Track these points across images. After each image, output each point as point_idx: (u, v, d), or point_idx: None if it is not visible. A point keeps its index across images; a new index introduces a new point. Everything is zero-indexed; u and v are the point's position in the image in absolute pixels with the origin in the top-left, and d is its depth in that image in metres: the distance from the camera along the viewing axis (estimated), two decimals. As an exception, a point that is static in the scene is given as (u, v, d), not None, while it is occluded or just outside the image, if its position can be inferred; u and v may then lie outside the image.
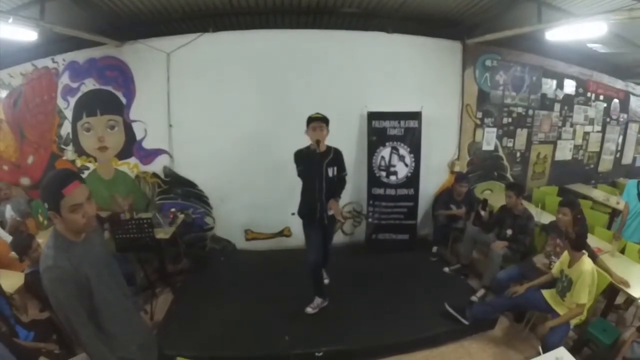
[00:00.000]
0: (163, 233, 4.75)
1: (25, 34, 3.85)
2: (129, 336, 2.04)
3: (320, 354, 3.61)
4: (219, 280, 5.03)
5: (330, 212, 3.90)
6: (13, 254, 4.12)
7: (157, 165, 5.67)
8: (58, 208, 1.70)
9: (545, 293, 3.72)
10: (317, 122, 3.80)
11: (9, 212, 5.18)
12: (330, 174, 3.91)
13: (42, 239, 3.88)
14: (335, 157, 3.96)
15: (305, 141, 3.88)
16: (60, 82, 5.48)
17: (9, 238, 4.61)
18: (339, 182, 4.01)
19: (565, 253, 3.61)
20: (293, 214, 5.69)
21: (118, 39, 5.16)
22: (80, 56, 5.39)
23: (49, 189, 1.72)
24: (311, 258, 4.04)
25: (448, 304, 4.05)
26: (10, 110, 5.67)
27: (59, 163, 5.72)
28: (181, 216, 5.33)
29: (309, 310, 4.23)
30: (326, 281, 4.65)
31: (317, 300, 4.29)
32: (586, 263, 3.35)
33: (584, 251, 3.42)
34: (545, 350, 3.12)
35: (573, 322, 3.42)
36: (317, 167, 3.84)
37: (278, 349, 3.67)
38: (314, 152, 3.80)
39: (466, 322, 3.90)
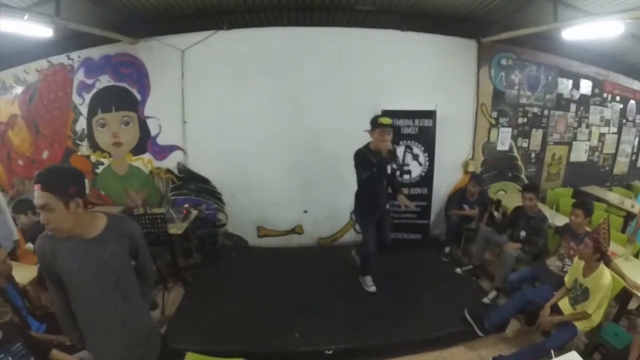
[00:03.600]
0: (176, 228, 4.78)
1: (41, 31, 3.87)
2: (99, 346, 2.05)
3: (330, 351, 3.61)
4: (230, 276, 5.04)
5: (405, 206, 4.34)
6: (28, 245, 4.18)
7: (171, 161, 5.71)
8: None
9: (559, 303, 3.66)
10: (388, 127, 3.90)
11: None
12: (389, 171, 4.16)
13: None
14: (393, 153, 4.20)
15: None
16: (76, 78, 5.54)
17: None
18: (394, 176, 4.36)
19: (576, 261, 3.53)
20: (305, 211, 5.75)
21: (132, 35, 5.19)
22: (95, 53, 5.44)
23: None
24: (372, 248, 4.29)
25: (468, 310, 3.96)
26: (25, 105, 5.76)
27: (74, 158, 5.78)
28: (194, 212, 5.35)
29: (372, 289, 4.57)
30: None
31: (369, 279, 4.62)
32: (605, 276, 3.24)
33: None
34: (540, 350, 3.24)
35: (584, 328, 3.36)
36: (383, 168, 4.04)
37: (288, 345, 3.68)
38: (381, 155, 3.96)
39: (481, 334, 3.83)
